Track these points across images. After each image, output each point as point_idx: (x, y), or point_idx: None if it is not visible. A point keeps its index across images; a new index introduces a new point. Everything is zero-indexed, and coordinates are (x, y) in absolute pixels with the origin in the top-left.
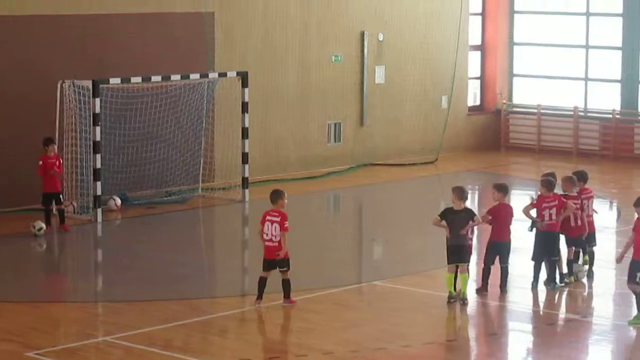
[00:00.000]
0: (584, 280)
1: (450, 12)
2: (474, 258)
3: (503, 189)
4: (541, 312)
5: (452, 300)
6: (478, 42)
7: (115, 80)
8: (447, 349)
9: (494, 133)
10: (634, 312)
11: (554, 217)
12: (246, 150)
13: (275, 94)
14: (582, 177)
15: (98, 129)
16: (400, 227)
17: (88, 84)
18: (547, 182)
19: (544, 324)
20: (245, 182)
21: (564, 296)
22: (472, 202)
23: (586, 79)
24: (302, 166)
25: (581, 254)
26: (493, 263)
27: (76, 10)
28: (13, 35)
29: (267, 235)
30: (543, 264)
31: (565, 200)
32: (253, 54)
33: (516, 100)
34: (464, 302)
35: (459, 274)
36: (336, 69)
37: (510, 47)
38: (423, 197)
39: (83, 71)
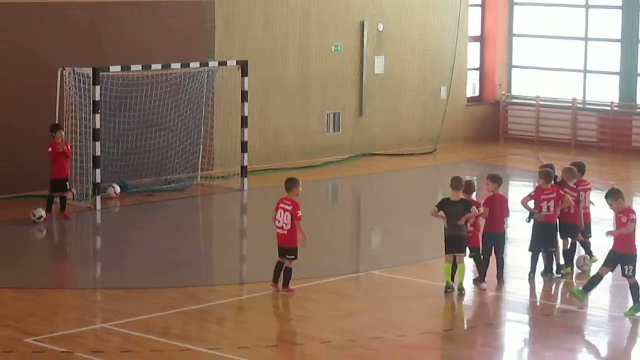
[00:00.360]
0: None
1: (449, 3)
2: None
3: (497, 180)
4: (538, 303)
5: (449, 290)
6: (477, 33)
7: (115, 68)
8: (444, 338)
9: (493, 124)
10: (630, 303)
11: (551, 208)
12: (245, 139)
13: (275, 83)
14: (579, 168)
15: (98, 116)
16: (398, 217)
17: (88, 71)
18: (545, 174)
19: (540, 314)
20: (244, 171)
21: (560, 287)
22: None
23: (585, 71)
24: (301, 155)
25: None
26: (490, 254)
27: None
28: (13, 22)
29: (278, 222)
30: (540, 255)
31: (562, 193)
32: (253, 43)
33: (515, 91)
34: (461, 292)
35: (457, 264)
36: (336, 58)
37: (509, 39)
38: (421, 187)
39: (83, 59)
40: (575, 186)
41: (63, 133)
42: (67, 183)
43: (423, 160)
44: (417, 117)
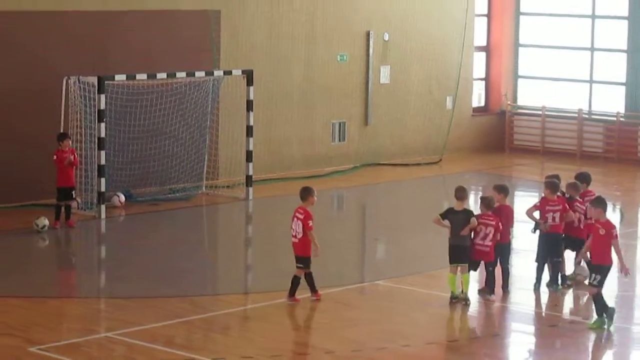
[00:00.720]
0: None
1: (455, 13)
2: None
3: (503, 190)
4: (543, 314)
5: (454, 301)
6: (483, 43)
7: (120, 77)
8: (449, 349)
9: (499, 134)
10: (634, 314)
11: (557, 219)
12: (250, 148)
13: (280, 93)
14: (585, 179)
15: (103, 125)
16: (403, 227)
17: (93, 80)
18: (552, 184)
19: (545, 325)
20: (249, 180)
21: (566, 298)
22: (475, 204)
23: (591, 81)
24: (306, 165)
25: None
26: (495, 264)
27: (82, 7)
28: (19, 30)
29: (293, 231)
30: (546, 266)
31: (567, 207)
32: (258, 53)
33: (521, 101)
34: (466, 302)
35: (460, 274)
36: (341, 68)
37: (515, 49)
38: (426, 198)
39: (88, 67)
40: (582, 199)
41: (70, 142)
42: (73, 192)
43: (428, 171)
44: (422, 127)
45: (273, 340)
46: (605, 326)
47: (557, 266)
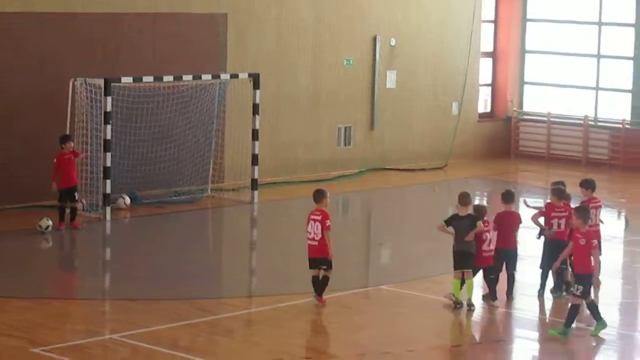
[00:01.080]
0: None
1: (462, 19)
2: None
3: (507, 197)
4: (547, 320)
5: (458, 306)
6: (490, 49)
7: (127, 79)
8: (453, 354)
9: (504, 140)
10: (638, 321)
11: (562, 226)
12: (256, 151)
13: (287, 97)
14: (589, 185)
15: (109, 127)
16: (407, 232)
17: (100, 82)
18: (558, 191)
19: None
20: (254, 184)
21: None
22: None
23: (597, 88)
24: (311, 169)
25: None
26: (500, 270)
27: (89, 9)
28: (26, 32)
29: (309, 234)
30: (550, 272)
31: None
32: (265, 56)
33: (527, 107)
34: (470, 308)
35: (465, 279)
36: (347, 72)
37: (521, 55)
38: (431, 203)
39: (95, 69)
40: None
41: (72, 144)
42: (76, 193)
43: (434, 176)
44: (428, 132)
45: (277, 344)
46: (593, 331)
47: (561, 273)
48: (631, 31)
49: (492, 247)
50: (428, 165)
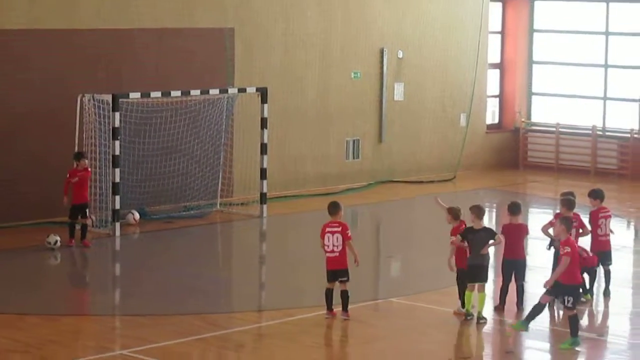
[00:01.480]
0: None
1: (469, 30)
2: (491, 276)
3: (514, 209)
4: (558, 331)
5: (468, 318)
6: (497, 60)
7: (135, 95)
8: None
9: (513, 151)
10: None
11: (573, 236)
12: (265, 165)
13: (295, 110)
14: (598, 195)
15: (117, 143)
16: (417, 244)
17: (108, 98)
18: (568, 202)
19: (560, 342)
20: (263, 198)
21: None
22: (489, 221)
23: (605, 98)
24: (320, 182)
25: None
26: (510, 281)
27: (97, 25)
28: (33, 48)
29: (328, 247)
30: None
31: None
32: (273, 70)
33: (535, 118)
34: (480, 321)
35: (477, 292)
36: (355, 85)
37: (529, 66)
38: (441, 215)
39: (103, 85)
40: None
41: (86, 162)
42: (87, 210)
43: (443, 188)
44: (436, 144)
45: (287, 358)
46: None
47: None
48: (639, 40)
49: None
50: (437, 177)
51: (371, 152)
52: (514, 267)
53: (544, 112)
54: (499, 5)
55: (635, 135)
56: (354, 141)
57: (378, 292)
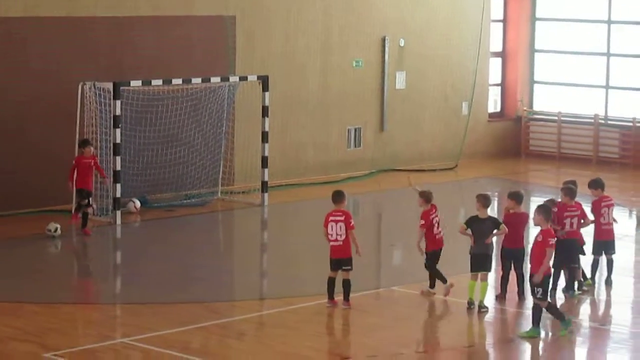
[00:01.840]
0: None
1: (471, 19)
2: (492, 265)
3: (514, 197)
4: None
5: (471, 307)
6: (499, 48)
7: (136, 83)
8: (465, 355)
9: (514, 140)
10: None
11: (574, 225)
12: (266, 154)
13: (296, 99)
14: (598, 185)
15: (118, 131)
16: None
17: (109, 86)
18: (569, 190)
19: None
20: (264, 186)
21: (582, 304)
22: (491, 209)
23: (607, 86)
24: (321, 171)
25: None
26: (510, 269)
27: (97, 13)
28: (33, 36)
29: (332, 235)
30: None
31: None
32: (274, 58)
33: (537, 107)
34: (481, 310)
35: (479, 281)
36: (357, 74)
37: (531, 54)
38: (442, 203)
39: (104, 73)
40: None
41: (92, 149)
42: (90, 198)
43: (444, 176)
44: (438, 132)
45: (289, 346)
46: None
47: (573, 272)
48: None
49: (441, 229)
50: (438, 165)
51: (373, 141)
52: (513, 256)
53: (546, 101)
54: None
55: (638, 124)
56: (355, 129)
57: (380, 280)
